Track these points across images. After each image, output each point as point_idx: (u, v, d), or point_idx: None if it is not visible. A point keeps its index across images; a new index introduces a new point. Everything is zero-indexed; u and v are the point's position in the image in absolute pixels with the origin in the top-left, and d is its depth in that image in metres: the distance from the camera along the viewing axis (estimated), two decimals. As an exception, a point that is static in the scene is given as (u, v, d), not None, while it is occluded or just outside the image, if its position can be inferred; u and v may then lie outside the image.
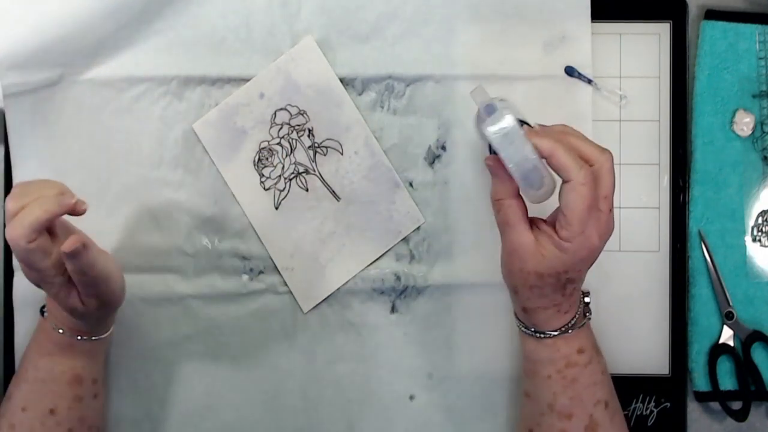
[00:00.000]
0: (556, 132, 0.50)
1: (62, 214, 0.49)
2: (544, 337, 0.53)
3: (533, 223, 0.51)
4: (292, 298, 0.63)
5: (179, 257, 0.62)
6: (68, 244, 0.47)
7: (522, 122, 0.50)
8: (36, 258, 0.48)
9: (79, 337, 0.55)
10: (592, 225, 0.48)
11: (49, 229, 0.49)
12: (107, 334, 0.57)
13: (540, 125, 0.51)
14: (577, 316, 0.53)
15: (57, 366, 0.55)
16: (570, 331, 0.53)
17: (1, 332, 0.63)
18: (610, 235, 0.50)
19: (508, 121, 0.48)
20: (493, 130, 0.48)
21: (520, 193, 0.50)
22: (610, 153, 0.49)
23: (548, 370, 0.53)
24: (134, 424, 0.63)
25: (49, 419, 0.54)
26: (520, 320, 0.54)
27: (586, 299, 0.55)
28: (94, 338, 0.56)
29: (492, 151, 0.51)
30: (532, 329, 0.53)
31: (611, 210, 0.49)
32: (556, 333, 0.52)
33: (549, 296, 0.51)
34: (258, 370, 0.63)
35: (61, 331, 0.54)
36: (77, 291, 0.51)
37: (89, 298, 0.51)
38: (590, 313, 0.55)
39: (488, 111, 0.49)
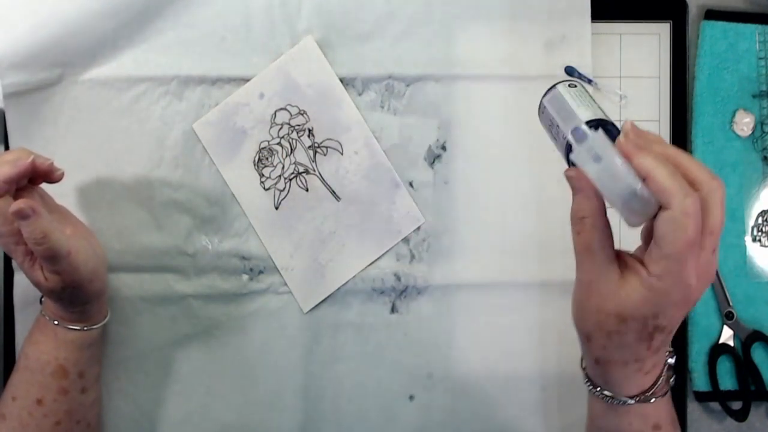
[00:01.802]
0: (654, 144, 0.41)
1: (19, 176, 0.50)
2: (617, 404, 0.44)
3: (617, 255, 0.43)
4: (292, 298, 0.63)
5: (179, 257, 0.62)
6: (14, 205, 0.48)
7: (605, 125, 0.42)
8: None
9: (56, 323, 0.55)
10: (692, 264, 0.39)
11: (18, 198, 0.51)
12: (95, 327, 0.57)
13: (632, 126, 0.41)
14: (660, 381, 0.44)
15: (42, 355, 0.55)
16: (649, 399, 0.44)
17: (1, 332, 0.63)
18: (710, 280, 0.41)
19: (596, 140, 0.40)
20: (580, 155, 0.40)
21: (621, 213, 0.40)
22: (722, 181, 0.40)
23: None
24: (134, 424, 0.63)
25: (36, 410, 0.54)
26: (588, 376, 0.46)
27: (670, 360, 0.46)
28: (76, 328, 0.55)
29: (570, 160, 0.43)
30: (604, 391, 0.44)
31: (715, 250, 0.41)
32: (631, 401, 0.44)
33: (631, 348, 0.42)
34: (258, 370, 0.63)
35: (47, 317, 0.55)
36: (41, 265, 0.52)
37: (50, 273, 0.52)
38: (674, 378, 0.46)
39: (578, 138, 0.40)
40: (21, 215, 0.48)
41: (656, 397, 0.44)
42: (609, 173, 0.39)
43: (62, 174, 0.53)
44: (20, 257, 0.52)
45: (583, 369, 0.46)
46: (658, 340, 0.42)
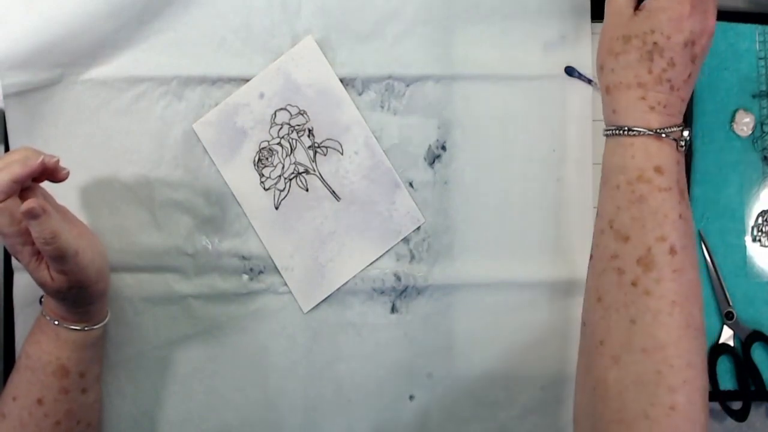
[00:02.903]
0: None
1: (29, 175, 0.50)
2: (622, 134, 0.50)
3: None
4: (292, 298, 0.63)
5: (179, 257, 0.62)
6: (25, 204, 0.48)
7: None
8: (2, 221, 0.49)
9: (57, 323, 0.55)
10: None
11: (22, 197, 0.51)
12: (96, 327, 0.57)
13: None
14: (667, 130, 0.50)
15: (44, 355, 0.55)
16: (654, 131, 0.50)
17: (1, 332, 0.63)
18: (706, 25, 0.50)
19: None
20: None
21: None
22: None
23: (618, 179, 0.50)
24: (134, 424, 0.63)
25: (37, 409, 0.54)
26: (606, 122, 0.53)
27: (685, 132, 0.51)
28: (77, 328, 0.55)
29: None
30: (614, 126, 0.51)
31: (714, 3, 0.50)
32: (636, 130, 0.50)
33: (634, 68, 0.50)
34: (258, 370, 0.63)
35: (48, 317, 0.55)
36: (47, 265, 0.52)
37: (57, 273, 0.52)
38: (684, 147, 0.51)
39: None
40: (32, 214, 0.48)
41: (663, 136, 0.50)
42: None
43: (68, 173, 0.53)
44: (26, 258, 0.51)
45: (604, 122, 0.53)
46: (658, 65, 0.50)
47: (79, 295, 0.54)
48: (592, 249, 0.53)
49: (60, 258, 0.50)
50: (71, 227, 0.54)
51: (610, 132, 0.52)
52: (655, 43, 0.50)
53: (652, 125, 0.50)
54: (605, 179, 0.52)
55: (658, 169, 0.49)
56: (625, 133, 0.50)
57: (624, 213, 0.50)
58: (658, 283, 0.48)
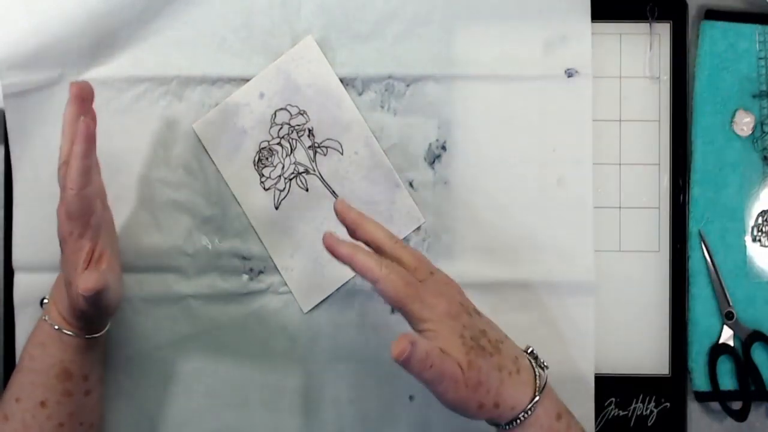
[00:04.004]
0: (351, 226, 0.52)
1: (88, 148, 0.52)
2: (522, 422, 0.49)
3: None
4: (292, 298, 0.63)
5: (179, 257, 0.62)
6: (87, 286, 0.50)
7: None
8: (96, 206, 0.52)
9: (58, 327, 0.55)
10: (428, 292, 0.49)
11: None
12: (99, 334, 0.57)
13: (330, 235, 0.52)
14: (534, 375, 0.51)
15: (47, 357, 0.55)
16: (539, 394, 0.50)
17: (1, 332, 0.63)
18: (452, 299, 0.51)
19: None
20: None
21: None
22: (399, 240, 0.52)
23: None
24: (134, 424, 0.63)
25: (40, 412, 0.54)
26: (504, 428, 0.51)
27: (530, 349, 0.53)
28: (79, 335, 0.55)
29: None
30: (513, 420, 0.50)
31: (433, 275, 0.51)
32: (529, 408, 0.49)
33: (483, 384, 0.49)
34: (258, 370, 0.63)
35: (48, 322, 0.55)
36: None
37: (88, 305, 0.52)
38: (546, 367, 0.52)
39: None
40: (92, 293, 0.50)
41: (542, 392, 0.50)
42: None
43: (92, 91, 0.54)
44: (78, 262, 0.52)
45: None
46: (482, 362, 0.49)
47: (96, 317, 0.55)
48: None
49: (94, 305, 0.52)
50: (108, 268, 0.54)
51: (506, 428, 0.51)
52: (471, 359, 0.50)
53: (522, 400, 0.50)
54: None
55: (558, 416, 0.51)
56: (526, 414, 0.50)
57: None
58: None
